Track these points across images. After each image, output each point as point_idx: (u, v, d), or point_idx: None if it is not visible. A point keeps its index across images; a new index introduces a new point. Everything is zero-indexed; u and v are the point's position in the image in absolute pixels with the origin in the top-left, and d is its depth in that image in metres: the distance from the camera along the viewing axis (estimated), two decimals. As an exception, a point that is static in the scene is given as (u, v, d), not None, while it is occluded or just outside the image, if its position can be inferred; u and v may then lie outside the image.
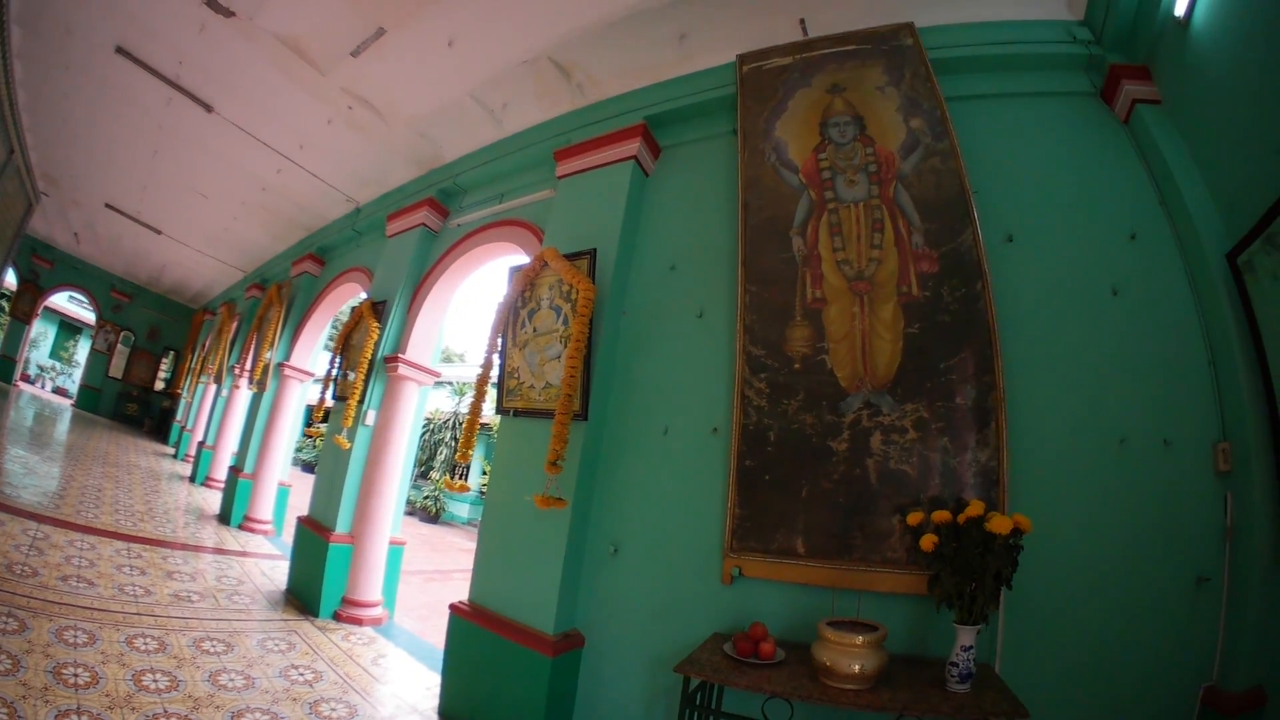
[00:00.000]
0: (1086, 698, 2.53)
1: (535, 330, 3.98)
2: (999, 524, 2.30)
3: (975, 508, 2.42)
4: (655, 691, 3.24)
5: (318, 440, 15.09)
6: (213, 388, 11.62)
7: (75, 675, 3.01)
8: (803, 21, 3.80)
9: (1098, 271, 3.00)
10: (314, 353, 8.58)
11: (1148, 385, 2.79)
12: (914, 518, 2.66)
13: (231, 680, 3.48)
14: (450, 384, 18.71)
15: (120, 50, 5.62)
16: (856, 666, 2.24)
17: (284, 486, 8.45)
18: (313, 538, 5.52)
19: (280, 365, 8.24)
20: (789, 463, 3.12)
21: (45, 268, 15.74)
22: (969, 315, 2.95)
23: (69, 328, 24.75)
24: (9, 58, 6.17)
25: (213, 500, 9.05)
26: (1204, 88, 2.87)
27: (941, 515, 2.49)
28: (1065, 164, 3.26)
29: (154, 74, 5.88)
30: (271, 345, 8.34)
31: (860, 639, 2.28)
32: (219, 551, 6.47)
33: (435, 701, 3.80)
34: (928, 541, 2.46)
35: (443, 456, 17.25)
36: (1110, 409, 2.80)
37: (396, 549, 5.81)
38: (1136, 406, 2.77)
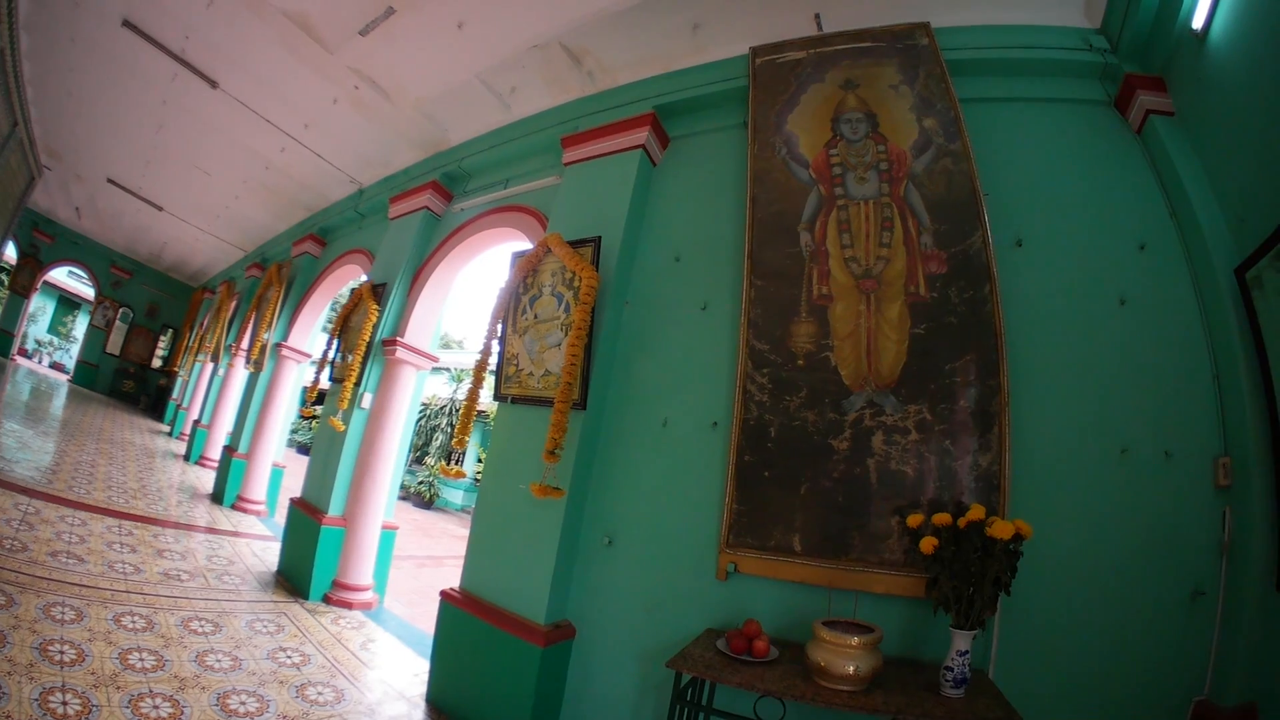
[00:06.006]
0: (1079, 706, 2.53)
1: (536, 317, 3.95)
2: (1000, 529, 2.28)
3: (976, 511, 2.40)
4: (646, 685, 3.22)
5: (313, 423, 15.04)
6: (210, 366, 11.60)
7: (61, 652, 2.98)
8: (818, 16, 3.76)
9: (1106, 280, 2.98)
10: (312, 334, 8.54)
11: (1151, 396, 2.77)
12: (914, 520, 2.63)
13: (219, 661, 3.45)
14: (448, 370, 18.67)
15: (127, 23, 5.57)
16: (851, 668, 2.22)
17: (278, 467, 8.41)
18: (305, 520, 5.50)
19: (278, 346, 8.21)
20: (789, 459, 3.09)
21: (46, 242, 15.68)
22: (976, 318, 2.93)
23: (68, 303, 24.71)
24: (15, 29, 6.11)
25: (206, 479, 9.03)
26: (1218, 102, 2.84)
27: (942, 518, 2.47)
28: (1077, 171, 3.24)
29: (160, 48, 5.82)
30: (270, 325, 8.30)
31: (856, 640, 2.26)
32: (211, 531, 6.44)
33: (423, 688, 3.78)
34: (927, 544, 2.44)
35: (438, 443, 17.25)
36: (1113, 418, 2.79)
37: (389, 533, 5.80)
38: (1139, 417, 2.76)
